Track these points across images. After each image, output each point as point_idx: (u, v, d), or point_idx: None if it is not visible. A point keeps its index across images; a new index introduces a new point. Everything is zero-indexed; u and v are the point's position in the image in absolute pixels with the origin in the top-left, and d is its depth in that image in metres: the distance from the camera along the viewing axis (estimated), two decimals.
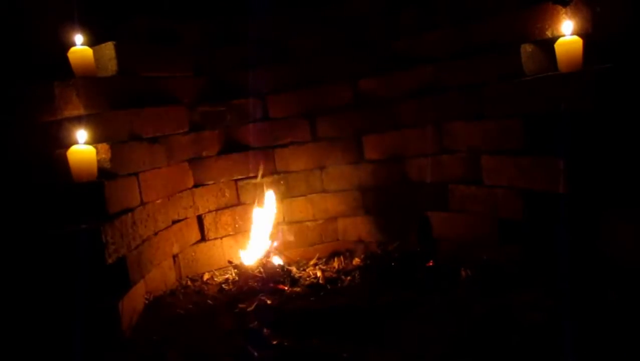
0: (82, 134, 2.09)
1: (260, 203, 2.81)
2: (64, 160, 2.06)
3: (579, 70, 1.97)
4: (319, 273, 2.57)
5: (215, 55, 2.86)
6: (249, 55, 2.78)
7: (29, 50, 2.27)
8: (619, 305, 1.77)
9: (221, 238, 2.84)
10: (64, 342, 1.84)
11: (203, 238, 2.81)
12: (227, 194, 2.88)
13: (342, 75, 2.82)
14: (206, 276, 2.69)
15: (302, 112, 2.89)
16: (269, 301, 2.25)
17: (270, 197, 2.81)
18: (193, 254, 2.75)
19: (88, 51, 2.26)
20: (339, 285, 2.45)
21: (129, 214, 2.20)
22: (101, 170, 2.13)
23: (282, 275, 2.51)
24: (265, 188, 2.84)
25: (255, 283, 2.45)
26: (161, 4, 2.68)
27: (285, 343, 1.87)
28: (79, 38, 2.26)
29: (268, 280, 2.45)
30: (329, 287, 2.41)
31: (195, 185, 2.80)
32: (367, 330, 1.94)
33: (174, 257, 2.63)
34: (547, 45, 2.09)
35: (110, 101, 2.29)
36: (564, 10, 2.05)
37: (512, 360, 1.64)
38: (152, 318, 2.18)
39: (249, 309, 2.18)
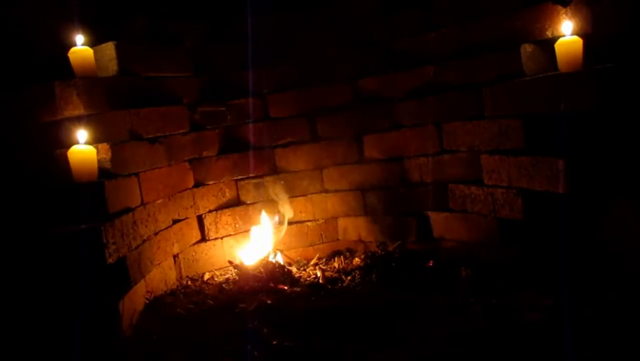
0: (82, 134, 2.09)
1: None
2: (64, 160, 2.07)
3: (579, 70, 1.97)
4: (319, 273, 2.57)
5: (215, 55, 2.86)
6: (249, 55, 2.78)
7: (29, 51, 2.28)
8: (619, 304, 1.77)
9: (221, 238, 2.84)
10: (65, 341, 1.84)
11: (203, 238, 2.81)
12: (227, 194, 2.88)
13: (342, 75, 2.82)
14: (206, 276, 2.69)
15: (302, 112, 2.90)
16: (269, 301, 2.25)
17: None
18: (193, 254, 2.75)
19: (88, 51, 2.26)
20: (340, 285, 2.45)
21: (130, 214, 2.20)
22: (102, 170, 2.13)
23: (283, 275, 2.51)
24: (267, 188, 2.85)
25: (256, 283, 2.45)
26: (161, 4, 2.68)
27: (286, 343, 1.87)
28: (79, 38, 2.26)
29: (268, 280, 2.45)
30: (329, 287, 2.42)
31: (196, 185, 2.80)
32: (368, 330, 1.94)
33: (175, 256, 2.63)
34: (547, 45, 2.09)
35: (111, 101, 2.29)
36: (564, 10, 2.05)
37: (512, 360, 1.64)
38: (153, 317, 2.18)
39: (250, 309, 2.19)
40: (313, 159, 2.92)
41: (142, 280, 2.27)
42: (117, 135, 2.28)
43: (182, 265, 2.68)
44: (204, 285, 2.59)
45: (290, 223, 2.92)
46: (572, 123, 1.95)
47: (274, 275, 2.48)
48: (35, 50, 2.28)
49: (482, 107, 2.38)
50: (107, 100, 2.27)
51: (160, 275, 2.47)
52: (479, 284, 2.17)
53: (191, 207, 2.75)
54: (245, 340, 1.91)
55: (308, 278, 2.57)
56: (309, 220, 2.95)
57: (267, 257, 2.63)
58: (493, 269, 2.26)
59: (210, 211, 2.83)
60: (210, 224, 2.82)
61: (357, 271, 2.53)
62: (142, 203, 2.35)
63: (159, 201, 2.49)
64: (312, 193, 2.95)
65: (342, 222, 2.94)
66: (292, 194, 2.92)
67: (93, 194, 2.03)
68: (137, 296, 2.20)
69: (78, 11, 2.31)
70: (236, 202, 2.90)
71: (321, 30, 2.84)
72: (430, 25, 2.59)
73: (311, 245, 2.93)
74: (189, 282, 2.62)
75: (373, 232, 2.84)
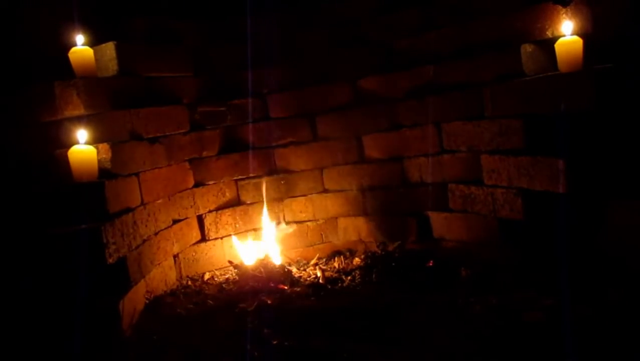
0: (82, 134, 2.10)
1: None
2: (64, 160, 2.07)
3: (579, 70, 1.97)
4: (319, 273, 2.58)
5: (215, 55, 2.86)
6: (248, 55, 2.78)
7: (29, 51, 2.28)
8: (619, 304, 1.77)
9: (222, 238, 2.84)
10: (65, 341, 1.84)
11: (203, 238, 2.81)
12: (227, 194, 2.88)
13: (342, 74, 2.82)
14: (207, 276, 2.69)
15: (302, 111, 2.90)
16: (269, 301, 2.26)
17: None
18: (193, 254, 2.75)
19: (89, 51, 2.26)
20: (340, 285, 2.45)
21: (130, 214, 2.21)
22: (102, 170, 2.13)
23: (283, 275, 2.51)
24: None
25: (256, 283, 2.45)
26: (161, 4, 2.68)
27: (286, 343, 1.87)
28: (79, 38, 2.26)
29: (268, 280, 2.45)
30: (329, 287, 2.42)
31: (196, 185, 2.80)
32: (368, 330, 1.94)
33: (175, 256, 2.63)
34: (547, 45, 2.09)
35: (111, 101, 2.29)
36: (564, 10, 2.05)
37: (512, 359, 1.64)
38: (153, 317, 2.18)
39: (250, 309, 2.19)
40: (313, 159, 2.92)
41: (142, 280, 2.27)
42: (117, 135, 2.28)
43: (182, 265, 2.68)
44: (204, 285, 2.60)
45: (290, 223, 2.93)
46: (572, 123, 1.95)
47: (274, 275, 2.48)
48: (35, 50, 2.28)
49: (482, 107, 2.38)
50: (107, 100, 2.28)
51: (160, 275, 2.47)
52: (479, 284, 2.17)
53: (191, 206, 2.75)
54: (245, 340, 1.91)
55: (308, 278, 2.57)
56: (309, 220, 2.95)
57: (267, 256, 2.63)
58: (493, 269, 2.26)
59: (210, 211, 2.83)
60: (210, 224, 2.82)
61: (357, 272, 2.53)
62: (142, 203, 2.35)
63: (159, 201, 2.49)
64: (312, 193, 2.94)
65: (342, 222, 2.94)
66: (292, 194, 2.93)
67: (93, 194, 2.03)
68: (137, 297, 2.20)
69: (78, 11, 2.31)
70: (236, 202, 2.90)
71: (321, 30, 2.84)
72: (431, 25, 2.59)
73: (311, 245, 2.93)
74: (189, 282, 2.62)
75: (373, 232, 2.84)
